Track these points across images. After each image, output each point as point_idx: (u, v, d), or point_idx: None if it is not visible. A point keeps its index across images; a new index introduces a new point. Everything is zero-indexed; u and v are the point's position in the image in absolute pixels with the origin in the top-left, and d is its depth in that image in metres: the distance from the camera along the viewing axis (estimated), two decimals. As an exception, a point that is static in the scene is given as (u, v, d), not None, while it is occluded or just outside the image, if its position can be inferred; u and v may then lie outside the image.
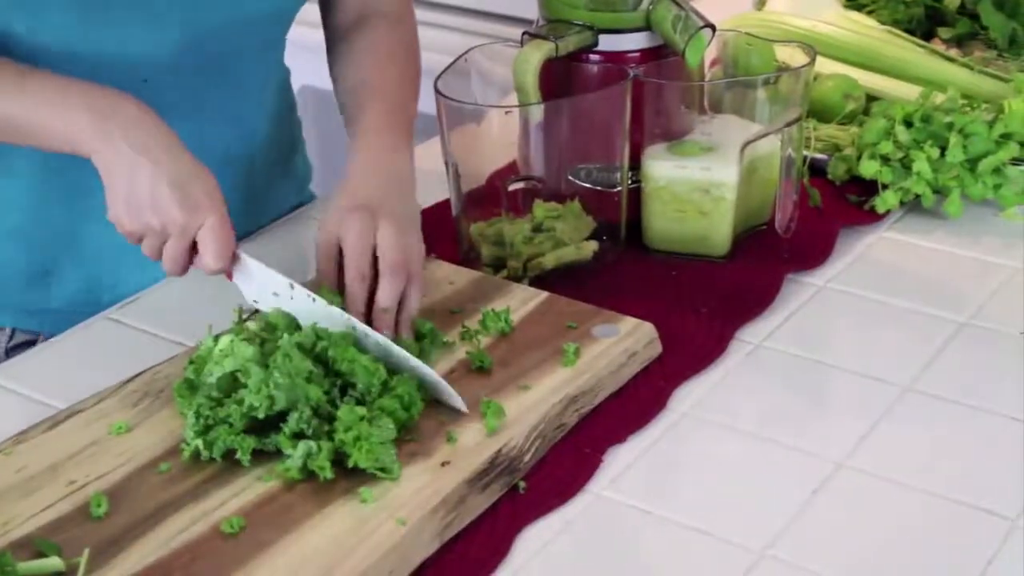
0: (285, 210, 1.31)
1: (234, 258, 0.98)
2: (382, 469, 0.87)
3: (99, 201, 0.99)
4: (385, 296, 0.98)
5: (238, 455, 0.88)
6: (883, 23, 1.46)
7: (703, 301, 1.11)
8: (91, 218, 1.12)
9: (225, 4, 1.10)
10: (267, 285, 0.98)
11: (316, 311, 0.95)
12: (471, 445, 0.91)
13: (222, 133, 1.18)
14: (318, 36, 2.22)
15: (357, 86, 1.17)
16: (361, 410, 0.89)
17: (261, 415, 0.89)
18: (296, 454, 0.87)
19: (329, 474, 0.87)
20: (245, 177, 1.24)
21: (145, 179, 0.95)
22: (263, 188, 1.27)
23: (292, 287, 0.96)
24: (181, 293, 1.13)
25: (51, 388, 1.02)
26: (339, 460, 0.88)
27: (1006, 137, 1.22)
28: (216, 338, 0.95)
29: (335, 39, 1.25)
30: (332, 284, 1.01)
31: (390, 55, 1.20)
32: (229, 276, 0.99)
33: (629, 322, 1.04)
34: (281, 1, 1.17)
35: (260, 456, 0.90)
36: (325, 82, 2.31)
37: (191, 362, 0.95)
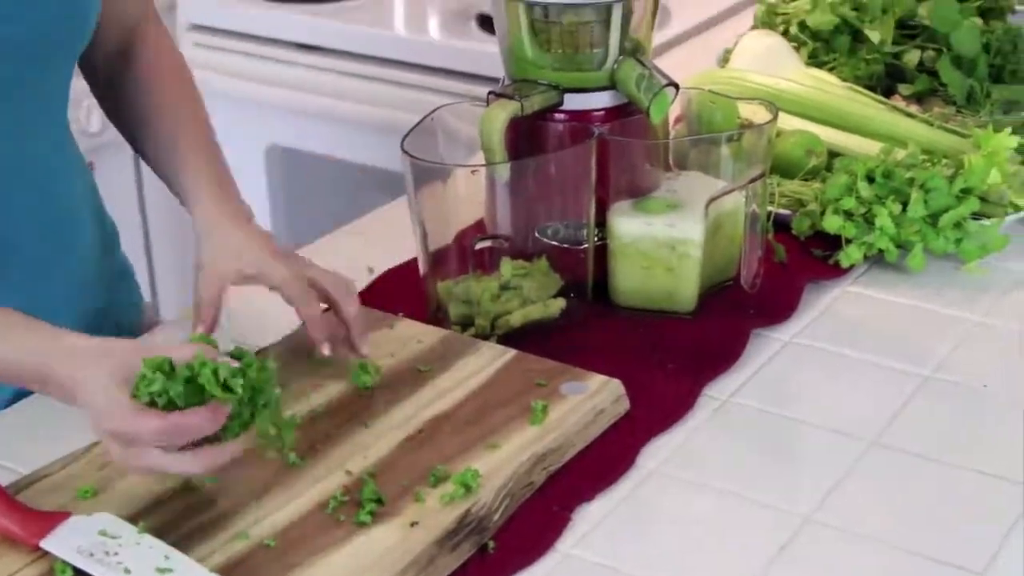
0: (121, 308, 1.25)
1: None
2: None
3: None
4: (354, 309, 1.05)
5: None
6: (844, 80, 1.48)
7: (670, 357, 1.12)
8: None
9: None
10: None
11: None
12: (440, 505, 0.91)
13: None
14: (283, 95, 2.23)
15: (161, 132, 1.15)
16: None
17: None
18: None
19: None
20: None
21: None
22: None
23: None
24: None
25: (16, 454, 1.01)
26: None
27: (966, 192, 1.24)
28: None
29: (104, 73, 1.19)
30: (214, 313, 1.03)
31: (172, 72, 1.18)
32: None
33: (597, 379, 1.05)
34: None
35: (231, 518, 0.90)
36: (294, 142, 2.32)
37: None
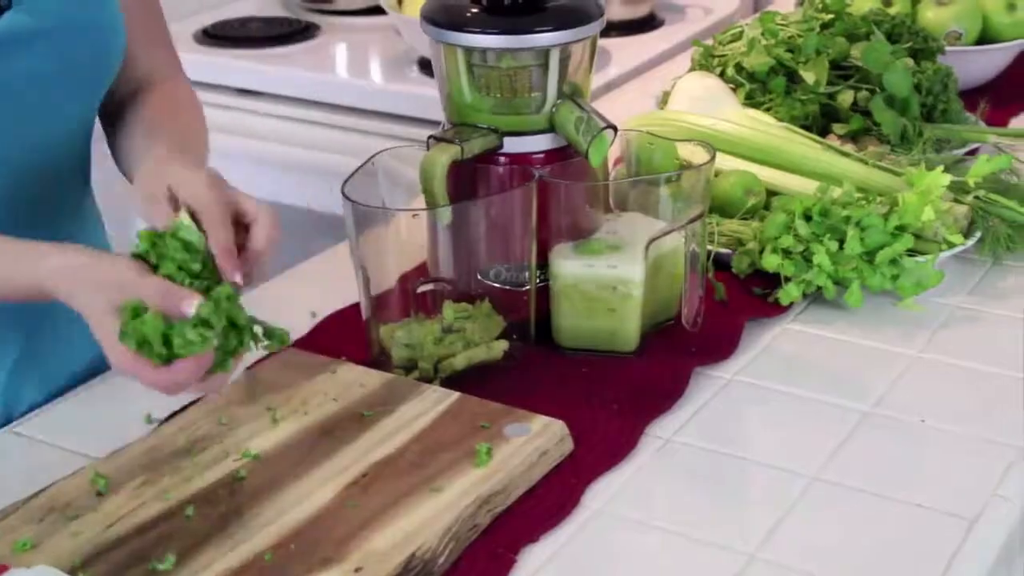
0: None
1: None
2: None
3: None
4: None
5: None
6: (780, 120, 1.50)
7: (613, 397, 1.12)
8: None
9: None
10: None
11: None
12: (384, 549, 0.91)
13: None
14: (225, 141, 2.22)
15: (140, 136, 1.12)
16: None
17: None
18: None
19: None
20: None
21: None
22: None
23: None
24: (85, 406, 1.12)
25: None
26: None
27: (901, 229, 1.26)
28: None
29: (111, 120, 1.19)
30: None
31: (173, 105, 1.17)
32: None
33: (540, 420, 1.05)
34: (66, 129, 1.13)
35: (184, 561, 0.89)
36: (235, 186, 2.30)
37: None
